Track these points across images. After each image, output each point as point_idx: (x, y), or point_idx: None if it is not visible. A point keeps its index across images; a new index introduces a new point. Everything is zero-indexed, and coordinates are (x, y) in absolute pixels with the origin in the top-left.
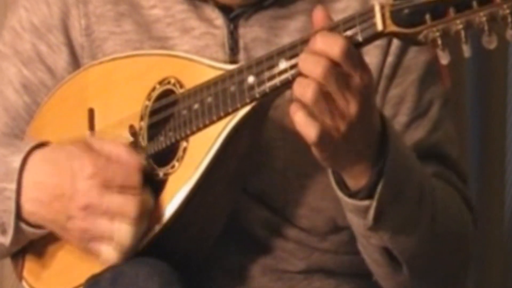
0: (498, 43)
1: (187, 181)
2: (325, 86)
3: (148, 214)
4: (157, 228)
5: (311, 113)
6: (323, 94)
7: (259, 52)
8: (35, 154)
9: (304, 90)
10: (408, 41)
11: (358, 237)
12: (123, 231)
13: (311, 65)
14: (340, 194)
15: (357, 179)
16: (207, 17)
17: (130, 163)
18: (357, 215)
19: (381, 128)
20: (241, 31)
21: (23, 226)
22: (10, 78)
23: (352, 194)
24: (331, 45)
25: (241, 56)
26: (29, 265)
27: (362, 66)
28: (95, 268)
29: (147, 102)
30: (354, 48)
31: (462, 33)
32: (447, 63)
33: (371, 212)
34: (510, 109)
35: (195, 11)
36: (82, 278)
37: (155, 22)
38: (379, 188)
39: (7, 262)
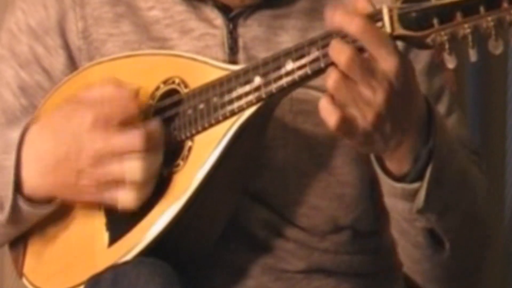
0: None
1: (192, 179)
2: (349, 74)
3: (161, 140)
4: (162, 225)
5: (334, 100)
6: (345, 82)
7: (259, 51)
8: (32, 127)
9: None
10: (416, 44)
11: (399, 222)
12: (133, 167)
13: (335, 54)
14: (387, 180)
15: (400, 163)
16: (206, 17)
17: (123, 94)
18: (404, 199)
19: (427, 111)
20: (240, 30)
21: (21, 202)
22: (7, 80)
23: (399, 178)
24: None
25: (241, 55)
26: (30, 261)
27: (389, 53)
28: (97, 265)
29: (150, 102)
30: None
31: (470, 38)
32: (454, 67)
33: (422, 194)
34: (510, 109)
35: (194, 11)
36: (83, 276)
37: (153, 23)
38: (428, 170)
39: (8, 260)
